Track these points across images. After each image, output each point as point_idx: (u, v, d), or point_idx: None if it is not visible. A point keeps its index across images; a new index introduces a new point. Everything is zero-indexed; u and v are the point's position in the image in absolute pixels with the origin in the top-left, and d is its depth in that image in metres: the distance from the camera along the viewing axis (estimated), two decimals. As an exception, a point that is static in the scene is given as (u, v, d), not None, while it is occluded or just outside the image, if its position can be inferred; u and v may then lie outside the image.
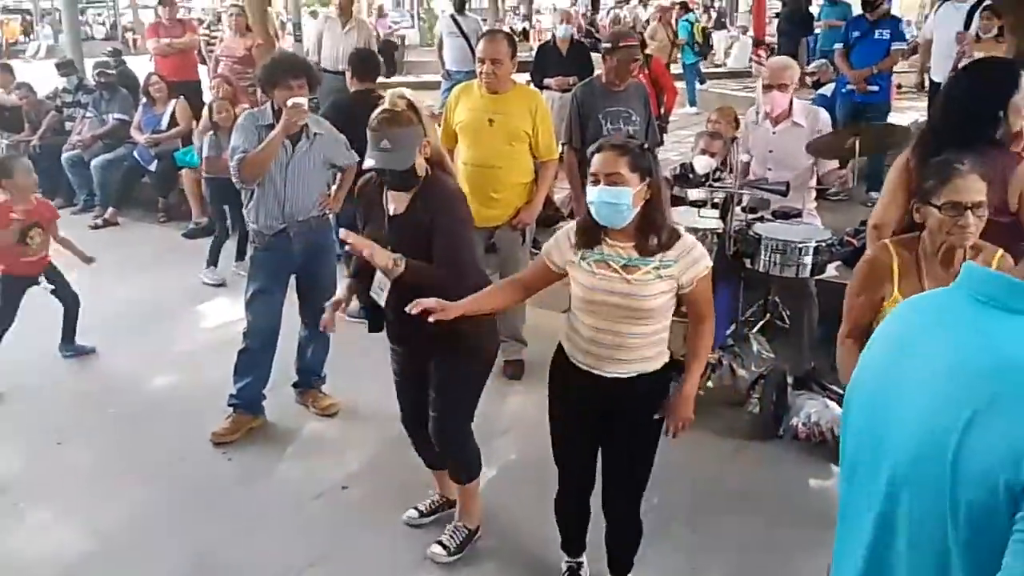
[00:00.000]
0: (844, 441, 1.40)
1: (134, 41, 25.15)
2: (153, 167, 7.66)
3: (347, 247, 2.87)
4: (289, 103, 3.72)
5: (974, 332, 1.15)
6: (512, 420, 4.30)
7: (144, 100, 7.83)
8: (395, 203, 2.95)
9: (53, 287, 4.90)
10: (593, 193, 2.44)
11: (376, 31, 13.84)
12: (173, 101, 7.64)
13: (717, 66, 17.35)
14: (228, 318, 5.58)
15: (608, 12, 24.65)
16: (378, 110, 2.85)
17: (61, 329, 4.99)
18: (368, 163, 2.83)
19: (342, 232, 2.80)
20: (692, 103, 13.54)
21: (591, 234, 2.53)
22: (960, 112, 2.99)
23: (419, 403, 3.14)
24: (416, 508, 3.43)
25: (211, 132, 6.16)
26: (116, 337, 5.23)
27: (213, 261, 6.22)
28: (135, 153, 7.71)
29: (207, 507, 3.55)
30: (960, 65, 5.82)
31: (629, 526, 2.86)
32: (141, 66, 9.78)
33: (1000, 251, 2.49)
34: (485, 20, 21.25)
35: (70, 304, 4.99)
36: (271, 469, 3.87)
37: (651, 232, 2.48)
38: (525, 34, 20.96)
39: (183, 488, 3.69)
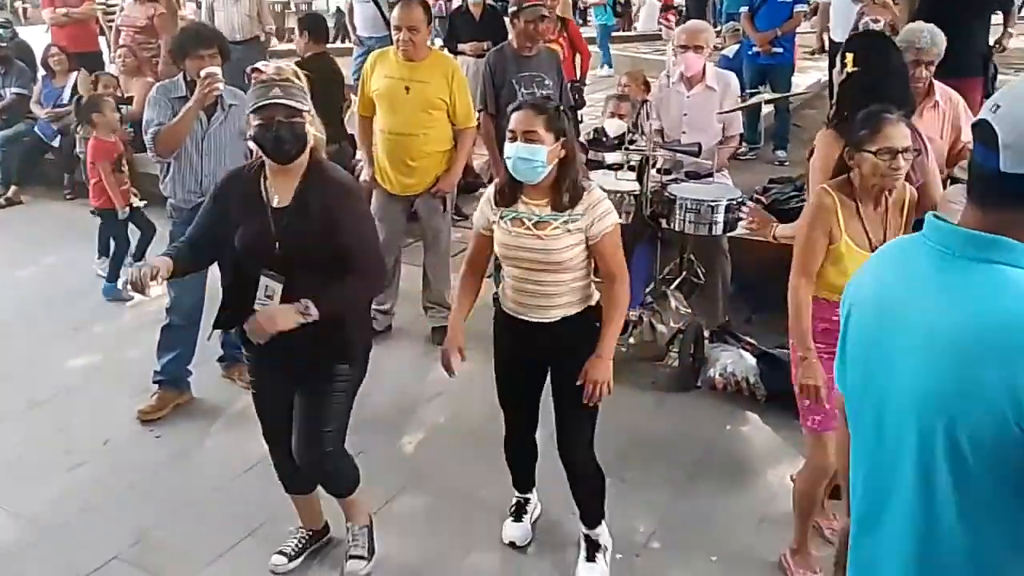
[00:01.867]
0: (841, 379, 1.53)
1: (24, 11, 23.82)
2: (56, 142, 7.37)
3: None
4: (203, 73, 3.66)
5: (942, 286, 1.25)
6: (441, 385, 4.34)
7: (43, 73, 7.52)
8: (279, 191, 2.62)
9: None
10: (510, 149, 2.61)
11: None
12: (74, 74, 7.35)
13: (626, 30, 17.49)
14: (146, 296, 5.48)
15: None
16: (267, 74, 2.60)
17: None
18: (259, 106, 2.50)
19: (251, 331, 2.51)
20: (609, 65, 13.65)
21: (510, 193, 2.71)
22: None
23: (287, 418, 2.82)
24: (282, 553, 3.07)
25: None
26: (27, 319, 5.09)
27: (104, 251, 5.71)
28: (36, 128, 7.42)
29: (139, 487, 3.53)
30: (859, 25, 6.04)
31: (585, 471, 2.95)
32: (35, 37, 9.32)
33: (908, 186, 2.76)
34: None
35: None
36: (200, 444, 3.87)
37: (564, 190, 2.63)
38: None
39: (112, 470, 3.66)
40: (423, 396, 4.24)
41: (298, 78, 2.61)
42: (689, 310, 4.35)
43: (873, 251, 2.66)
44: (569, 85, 6.75)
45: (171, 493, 3.49)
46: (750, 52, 7.19)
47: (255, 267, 2.63)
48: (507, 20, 5.31)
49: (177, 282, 3.97)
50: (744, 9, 7.26)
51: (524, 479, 3.23)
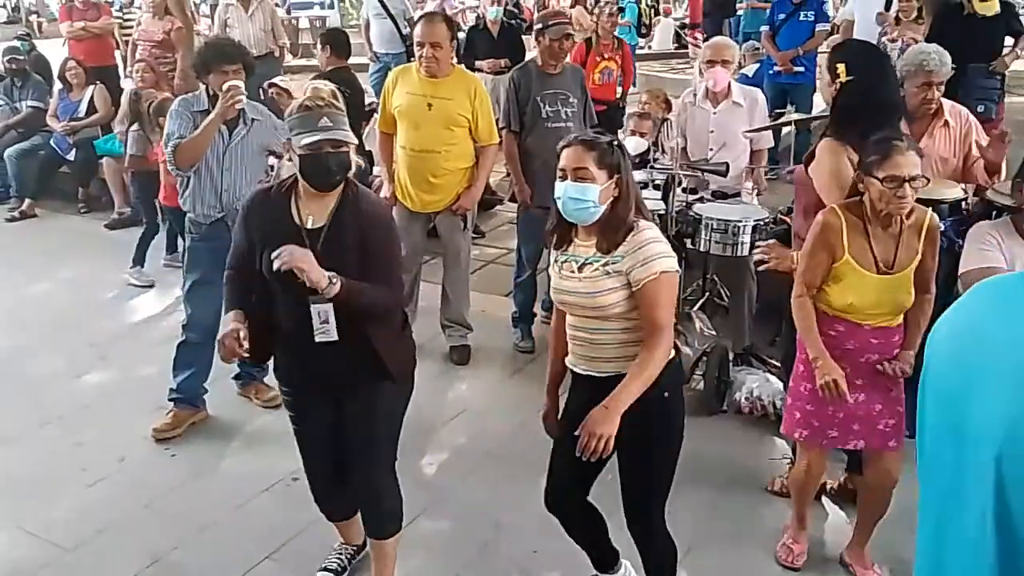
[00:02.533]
0: (921, 432, 1.35)
1: (39, 24, 24.05)
2: (72, 156, 7.36)
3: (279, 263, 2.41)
4: (226, 85, 3.63)
5: None
6: (460, 406, 4.30)
7: (60, 86, 7.52)
8: (315, 213, 2.56)
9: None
10: (560, 188, 2.42)
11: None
12: (91, 87, 7.35)
13: (641, 48, 17.50)
14: (156, 311, 5.44)
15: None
16: (308, 94, 2.56)
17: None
18: (309, 139, 2.46)
19: (283, 253, 2.40)
20: (632, 83, 13.62)
21: (561, 234, 2.53)
22: (866, 115, 2.97)
23: (332, 451, 2.80)
24: (327, 569, 3.05)
25: (134, 126, 5.91)
26: (39, 335, 5.04)
27: (140, 260, 5.83)
28: (52, 142, 7.40)
29: (155, 507, 3.47)
30: (880, 43, 6.03)
31: (650, 540, 2.67)
32: (50, 50, 9.37)
33: (929, 211, 2.74)
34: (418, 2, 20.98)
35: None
36: (217, 464, 3.80)
37: (611, 229, 2.40)
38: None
39: (128, 489, 3.59)
40: (443, 416, 4.16)
41: (337, 100, 2.57)
42: (714, 332, 4.27)
43: (879, 272, 2.70)
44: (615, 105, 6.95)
45: (188, 513, 3.42)
46: (771, 71, 7.15)
47: (288, 290, 2.52)
48: (526, 38, 5.30)
49: (193, 299, 3.94)
50: (765, 28, 7.24)
51: (592, 549, 2.83)
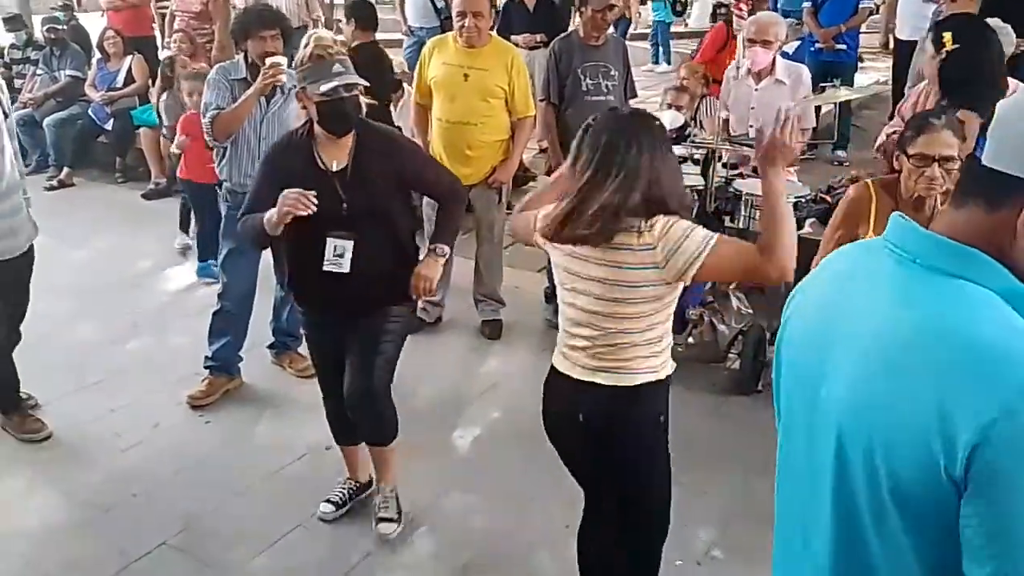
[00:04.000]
0: (776, 394, 1.36)
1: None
2: (109, 126, 7.41)
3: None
4: (268, 61, 3.60)
5: (894, 294, 1.07)
6: (493, 379, 4.29)
7: (98, 56, 7.56)
8: (335, 156, 2.76)
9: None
10: None
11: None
12: (129, 57, 7.38)
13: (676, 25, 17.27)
14: (191, 281, 5.46)
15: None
16: (314, 43, 2.75)
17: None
18: (326, 86, 2.64)
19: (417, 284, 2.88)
20: (668, 61, 13.45)
21: None
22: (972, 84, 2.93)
23: (341, 368, 2.98)
24: (329, 501, 3.22)
25: (164, 95, 5.92)
26: (77, 303, 5.07)
27: (185, 227, 5.89)
28: (90, 111, 7.44)
29: (188, 473, 3.49)
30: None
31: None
32: (89, 22, 9.42)
33: None
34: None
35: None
36: (251, 432, 3.81)
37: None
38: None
39: (161, 455, 3.61)
40: (475, 390, 4.15)
41: (338, 45, 2.82)
42: (751, 310, 4.20)
43: None
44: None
45: (221, 480, 3.44)
46: (812, 48, 7.00)
47: (318, 231, 2.73)
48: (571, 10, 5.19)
49: (229, 267, 3.95)
50: (807, 4, 7.08)
51: None
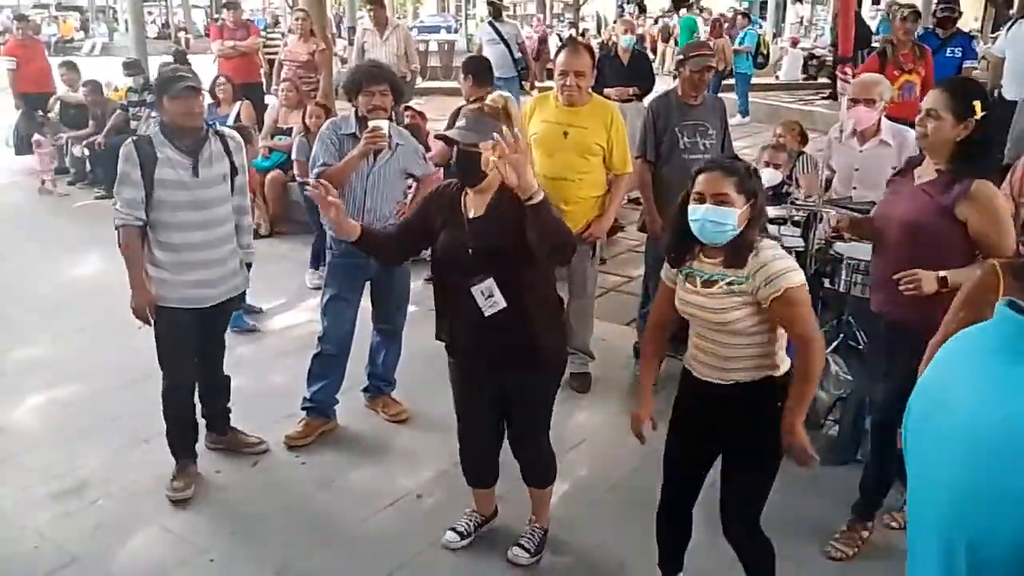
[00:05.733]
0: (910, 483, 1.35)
1: (187, 40, 25.52)
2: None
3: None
4: (370, 125, 3.75)
5: (989, 381, 1.08)
6: (581, 435, 4.27)
7: (210, 101, 7.92)
8: (475, 207, 2.92)
9: None
10: (698, 212, 2.49)
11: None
12: (238, 103, 7.72)
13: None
14: (289, 323, 5.62)
15: (657, 21, 24.55)
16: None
17: None
18: (451, 132, 2.92)
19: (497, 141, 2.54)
20: (744, 113, 13.46)
21: (682, 250, 2.62)
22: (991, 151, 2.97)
23: (489, 419, 3.18)
24: (455, 531, 3.37)
25: (301, 136, 6.19)
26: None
27: (315, 264, 6.15)
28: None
29: (284, 514, 3.57)
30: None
31: (748, 544, 2.79)
32: (197, 64, 9.90)
33: None
34: (536, 19, 21.20)
35: None
36: (344, 476, 3.88)
37: (740, 249, 2.49)
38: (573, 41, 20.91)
39: (259, 494, 3.71)
40: (565, 444, 4.12)
41: (503, 106, 3.00)
42: (850, 377, 4.11)
43: None
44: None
45: (316, 523, 3.51)
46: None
47: (450, 271, 2.93)
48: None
49: (329, 312, 4.07)
50: (909, 65, 6.97)
51: (671, 559, 2.98)
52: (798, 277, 2.48)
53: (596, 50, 5.43)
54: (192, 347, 3.71)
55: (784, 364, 2.62)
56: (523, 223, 2.73)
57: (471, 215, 2.91)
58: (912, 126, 5.50)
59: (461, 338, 3.03)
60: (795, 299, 2.46)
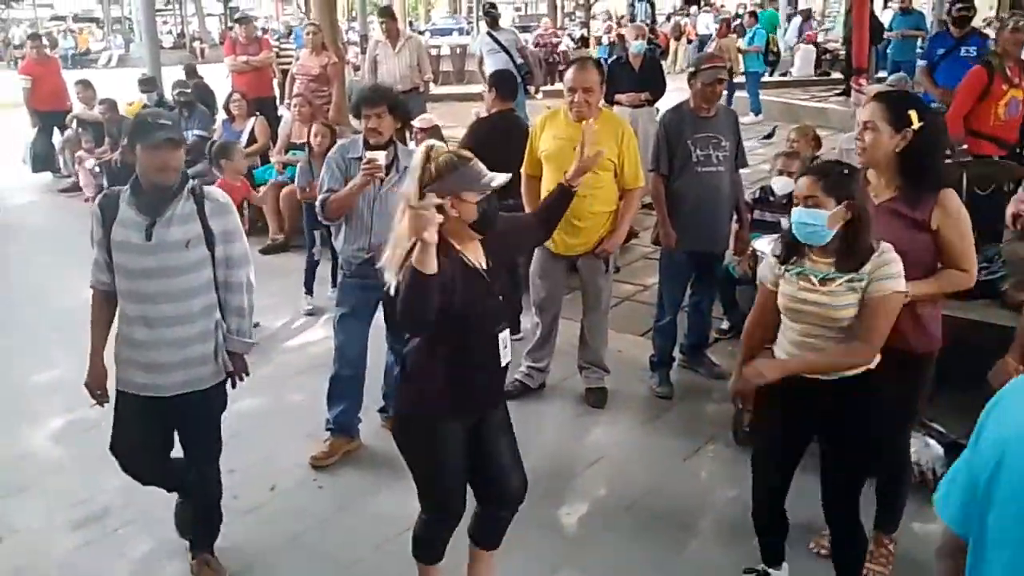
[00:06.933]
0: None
1: (201, 50, 25.70)
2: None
3: None
4: (366, 156, 3.79)
5: None
6: (598, 452, 4.26)
7: (224, 117, 7.99)
8: (474, 255, 2.75)
9: None
10: (795, 214, 2.69)
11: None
12: (252, 119, 7.78)
13: (782, 74, 17.11)
14: (306, 340, 5.65)
15: (668, 18, 24.46)
16: (448, 154, 2.72)
17: None
18: (496, 181, 2.64)
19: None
20: (756, 112, 13.41)
21: (792, 250, 2.78)
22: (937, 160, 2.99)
23: (465, 467, 2.88)
24: None
25: (304, 163, 6.18)
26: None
27: (308, 290, 6.12)
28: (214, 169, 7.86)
29: (304, 540, 3.59)
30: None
31: (845, 534, 2.95)
32: (211, 74, 10.00)
33: None
34: (545, 23, 21.17)
35: None
36: (362, 499, 3.89)
37: (852, 251, 2.64)
38: (584, 41, 20.87)
39: (279, 519, 3.74)
40: (581, 462, 4.14)
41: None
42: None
43: None
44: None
45: (333, 549, 3.52)
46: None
47: (480, 323, 2.72)
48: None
49: (341, 331, 4.09)
50: (922, 63, 6.91)
51: (773, 551, 3.16)
52: (903, 285, 2.65)
53: (604, 45, 5.42)
54: (151, 440, 3.21)
55: (877, 356, 2.73)
56: (511, 250, 2.98)
57: (483, 265, 2.75)
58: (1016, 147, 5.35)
59: (474, 394, 2.81)
60: (892, 303, 2.63)
